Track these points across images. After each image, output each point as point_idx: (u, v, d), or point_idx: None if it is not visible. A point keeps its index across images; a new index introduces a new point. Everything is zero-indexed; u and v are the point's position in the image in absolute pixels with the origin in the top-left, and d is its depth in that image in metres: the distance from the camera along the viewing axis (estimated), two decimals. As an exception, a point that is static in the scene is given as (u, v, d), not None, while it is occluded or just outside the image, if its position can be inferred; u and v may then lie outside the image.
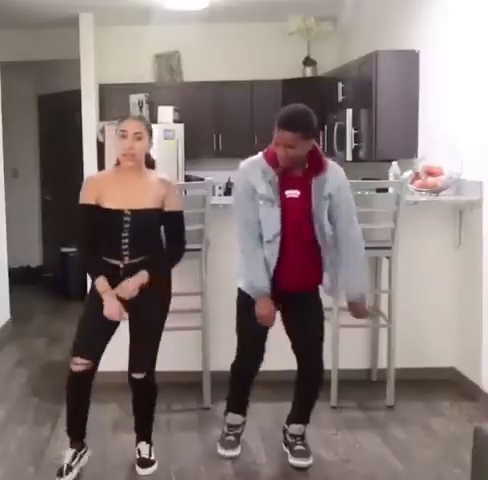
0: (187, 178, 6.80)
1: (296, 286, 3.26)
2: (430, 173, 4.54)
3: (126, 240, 3.20)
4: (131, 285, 3.18)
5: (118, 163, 3.30)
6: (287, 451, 3.48)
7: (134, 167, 3.24)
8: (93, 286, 3.28)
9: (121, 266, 3.23)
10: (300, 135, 3.06)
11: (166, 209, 3.25)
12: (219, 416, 3.99)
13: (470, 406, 4.12)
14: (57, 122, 7.82)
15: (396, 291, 4.11)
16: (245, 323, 3.33)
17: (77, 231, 3.26)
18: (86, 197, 3.22)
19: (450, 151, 4.53)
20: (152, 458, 3.38)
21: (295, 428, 3.48)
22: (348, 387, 4.19)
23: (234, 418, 3.54)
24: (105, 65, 7.14)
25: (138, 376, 3.27)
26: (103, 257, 3.26)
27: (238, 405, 3.54)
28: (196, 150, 6.96)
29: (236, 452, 3.51)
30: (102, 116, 7.06)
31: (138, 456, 3.38)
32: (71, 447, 3.33)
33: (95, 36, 6.92)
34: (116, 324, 3.27)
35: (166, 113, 6.88)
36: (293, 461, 3.41)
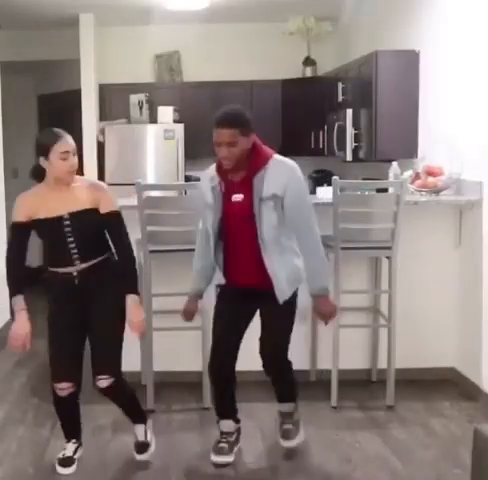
0: (187, 178, 6.80)
1: (248, 282, 3.25)
2: (430, 173, 4.54)
3: (73, 244, 3.18)
4: (139, 317, 3.19)
5: (42, 179, 3.25)
6: (277, 430, 3.52)
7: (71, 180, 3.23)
8: (49, 306, 3.29)
9: (74, 274, 3.21)
10: (238, 131, 3.09)
11: (102, 211, 3.20)
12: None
13: (470, 406, 4.12)
14: (57, 122, 7.73)
15: (396, 291, 4.11)
16: (214, 321, 3.40)
17: (7, 248, 3.28)
18: (16, 215, 3.24)
19: (450, 151, 4.53)
20: (148, 439, 3.39)
21: (284, 406, 3.51)
22: (348, 387, 4.19)
23: (226, 425, 3.50)
24: (105, 65, 7.14)
25: (104, 383, 3.20)
26: (55, 269, 3.25)
27: (223, 410, 3.51)
28: (196, 150, 6.94)
29: (228, 459, 3.42)
30: (102, 116, 7.07)
31: (135, 441, 3.42)
32: (73, 441, 3.42)
33: (95, 36, 6.92)
34: (84, 337, 3.27)
35: (166, 113, 6.88)
36: (281, 442, 3.46)
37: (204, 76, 7.24)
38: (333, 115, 6.18)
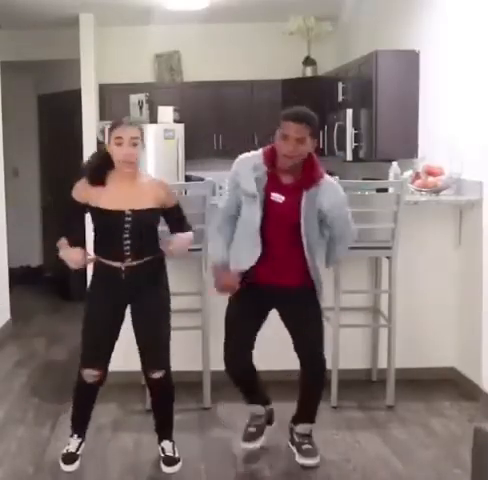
0: (187, 178, 6.80)
1: (272, 280, 3.27)
2: (430, 173, 4.54)
3: (128, 241, 3.20)
4: (187, 242, 3.35)
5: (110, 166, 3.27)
6: (294, 450, 3.48)
7: (131, 172, 3.24)
8: (89, 292, 3.34)
9: (122, 268, 3.23)
10: (309, 130, 3.09)
11: (168, 207, 3.31)
12: (219, 416, 4.01)
13: (470, 406, 4.12)
14: (57, 122, 7.82)
15: (396, 291, 4.11)
16: (230, 312, 3.40)
17: (62, 216, 3.39)
18: (74, 193, 3.29)
19: (450, 151, 4.53)
20: (177, 456, 3.41)
21: (302, 428, 3.48)
22: (348, 387, 4.19)
23: (255, 409, 3.55)
24: (105, 65, 7.13)
25: (157, 375, 3.30)
26: (103, 259, 3.27)
27: (248, 397, 3.55)
28: (196, 150, 6.96)
29: (255, 444, 3.52)
30: (102, 116, 7.06)
31: (163, 454, 3.41)
32: (77, 437, 3.43)
33: (95, 36, 6.92)
34: (119, 328, 3.31)
35: (166, 113, 6.88)
36: (302, 461, 3.42)
37: (204, 76, 7.24)
38: (333, 115, 6.17)
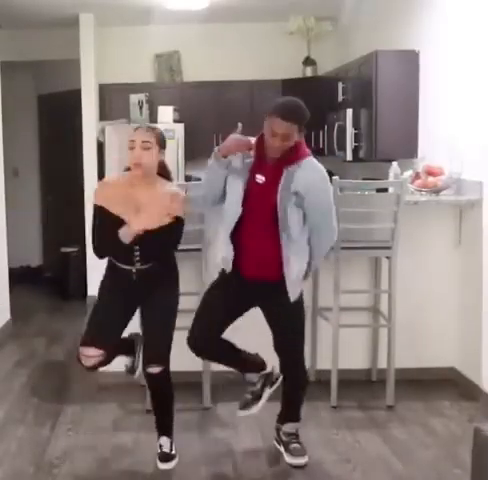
0: (187, 178, 6.80)
1: (254, 273, 3.22)
2: (430, 173, 4.54)
3: (138, 253, 3.27)
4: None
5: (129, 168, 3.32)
6: (281, 449, 3.49)
7: (144, 176, 3.26)
8: (102, 283, 3.40)
9: (133, 271, 3.31)
10: (297, 127, 3.09)
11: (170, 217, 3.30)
12: (219, 416, 4.01)
13: (470, 406, 4.12)
14: (57, 122, 7.82)
15: (396, 291, 4.11)
16: (208, 295, 3.39)
17: (92, 230, 3.34)
18: (95, 198, 3.31)
19: (450, 151, 4.53)
20: (173, 452, 3.43)
21: (289, 426, 3.49)
22: (348, 387, 4.19)
23: (247, 376, 3.52)
24: (105, 65, 7.13)
25: (153, 370, 3.31)
26: (114, 261, 3.34)
27: (234, 367, 3.51)
28: (196, 150, 6.94)
29: (251, 411, 3.46)
30: (102, 116, 7.06)
31: (159, 451, 3.44)
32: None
33: (95, 36, 6.91)
34: (126, 322, 3.38)
35: (166, 113, 6.88)
36: (290, 460, 3.42)
37: (204, 76, 7.23)
38: (333, 115, 6.18)
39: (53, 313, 6.56)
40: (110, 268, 3.40)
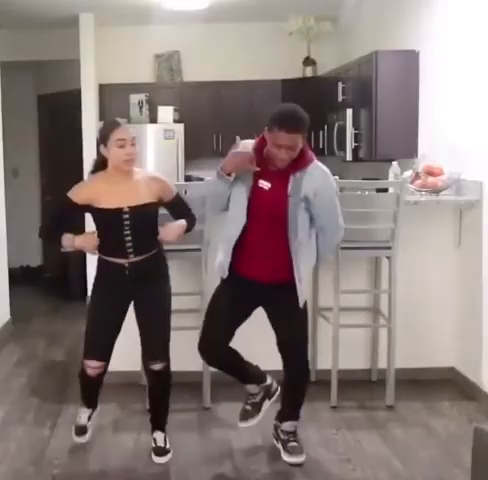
0: (187, 178, 6.80)
1: (261, 277, 3.23)
2: (430, 173, 4.54)
3: (129, 237, 3.27)
4: (177, 228, 3.34)
5: (104, 167, 3.33)
6: (279, 447, 3.49)
7: (129, 170, 3.31)
8: (94, 286, 3.39)
9: (126, 265, 3.30)
10: (301, 135, 3.09)
11: (166, 200, 3.38)
12: (219, 416, 4.01)
13: (470, 406, 4.12)
14: (57, 122, 7.82)
15: (396, 291, 4.11)
16: (215, 301, 3.39)
17: (49, 213, 3.37)
18: (73, 194, 3.32)
19: (450, 151, 4.53)
20: (167, 447, 3.46)
21: (287, 425, 3.50)
22: (348, 387, 4.19)
23: (248, 387, 3.56)
24: (105, 65, 7.13)
25: (157, 367, 3.34)
26: (107, 257, 3.34)
27: (238, 378, 3.53)
28: (196, 150, 6.95)
29: (252, 422, 3.53)
30: (102, 116, 7.05)
31: (154, 445, 3.48)
32: (87, 408, 3.55)
33: (95, 36, 6.91)
34: (120, 324, 3.37)
35: (166, 113, 6.88)
36: (287, 458, 3.43)
37: (204, 76, 7.24)
38: (333, 115, 6.17)
39: (53, 313, 6.56)
40: (101, 266, 3.39)
